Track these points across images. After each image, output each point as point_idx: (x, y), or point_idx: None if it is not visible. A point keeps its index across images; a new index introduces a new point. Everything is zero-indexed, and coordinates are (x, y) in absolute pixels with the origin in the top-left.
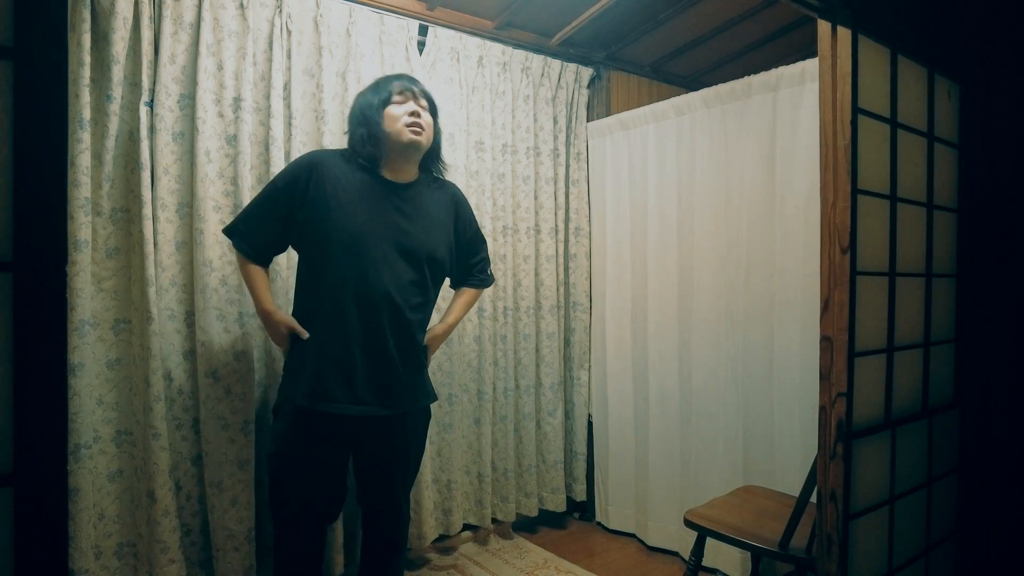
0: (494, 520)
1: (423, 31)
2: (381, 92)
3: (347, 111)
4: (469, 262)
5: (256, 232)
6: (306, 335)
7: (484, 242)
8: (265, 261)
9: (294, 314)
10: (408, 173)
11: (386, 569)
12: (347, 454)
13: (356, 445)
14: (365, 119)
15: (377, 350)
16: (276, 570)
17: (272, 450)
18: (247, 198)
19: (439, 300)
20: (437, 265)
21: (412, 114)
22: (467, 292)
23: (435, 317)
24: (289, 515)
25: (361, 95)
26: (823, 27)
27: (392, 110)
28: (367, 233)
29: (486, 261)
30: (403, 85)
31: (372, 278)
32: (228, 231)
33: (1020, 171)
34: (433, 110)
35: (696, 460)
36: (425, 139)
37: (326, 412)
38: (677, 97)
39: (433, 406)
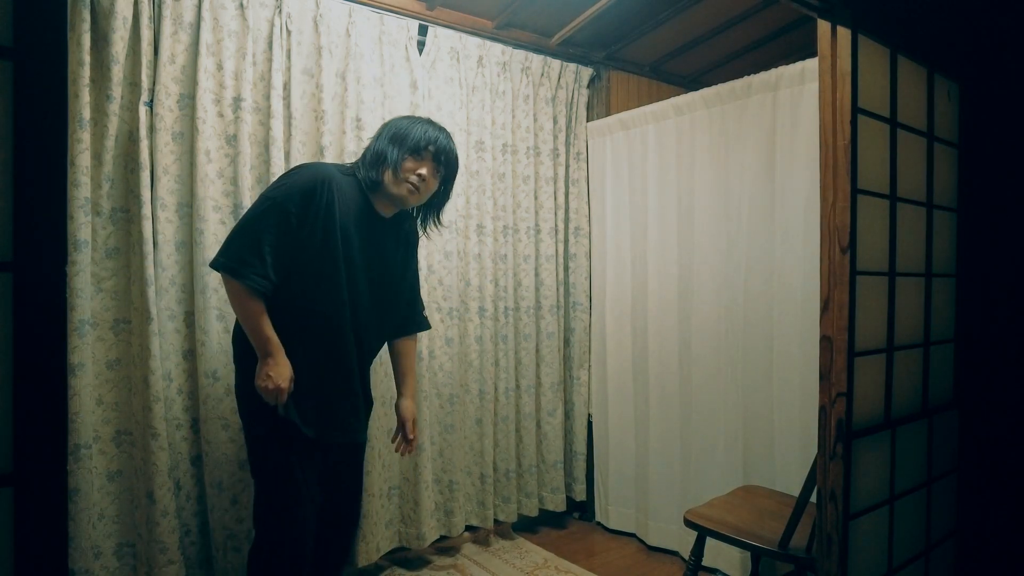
0: (495, 520)
1: (423, 31)
2: (410, 140)
3: (346, 111)
4: (416, 305)
5: (272, 261)
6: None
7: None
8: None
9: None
10: (391, 211)
11: None
12: None
13: (332, 465)
14: (384, 156)
15: (364, 378)
16: None
17: (274, 475)
18: (247, 198)
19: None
20: (394, 300)
21: (418, 176)
22: (410, 344)
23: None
24: (293, 539)
25: (399, 124)
26: (823, 27)
27: (407, 163)
28: (361, 264)
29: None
30: (430, 145)
31: (362, 310)
32: (233, 268)
33: (1020, 171)
34: (451, 173)
35: (696, 460)
36: (415, 200)
37: (332, 441)
38: (677, 97)
39: (434, 406)
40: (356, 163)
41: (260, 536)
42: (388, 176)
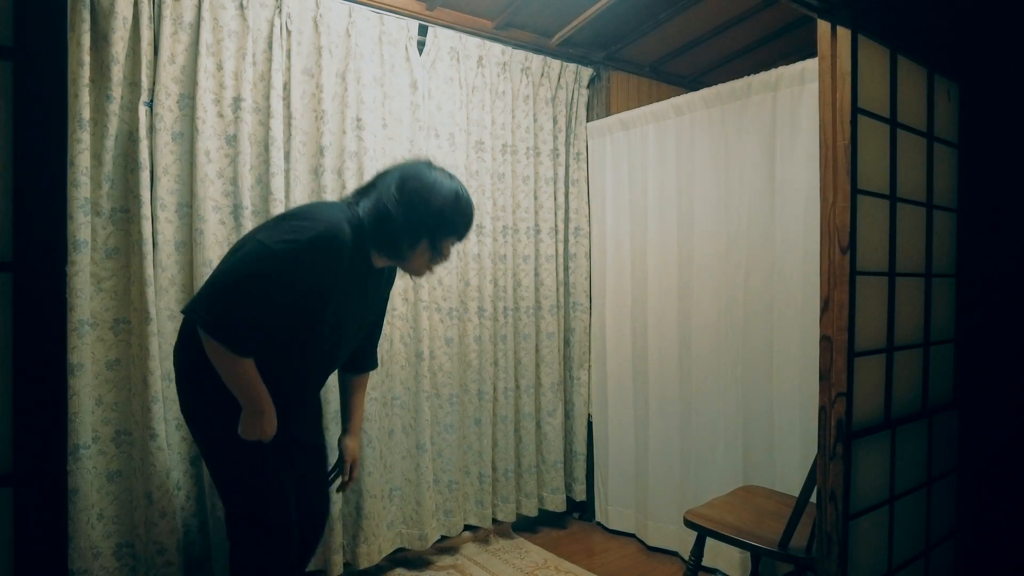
0: (495, 520)
1: (423, 31)
2: (456, 229)
3: (347, 111)
4: (376, 340)
5: (258, 324)
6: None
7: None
8: None
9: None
10: (385, 263)
11: None
12: None
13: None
14: (421, 235)
15: (312, 415)
16: None
17: (262, 481)
18: (247, 198)
19: None
20: (362, 339)
21: (443, 258)
22: (364, 379)
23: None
24: (282, 541)
25: (448, 208)
26: (823, 27)
27: (445, 245)
28: (350, 320)
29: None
30: (468, 228)
31: (338, 352)
32: (222, 330)
33: (1020, 171)
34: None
35: (696, 460)
36: (424, 275)
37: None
38: (677, 97)
39: (434, 406)
40: (355, 210)
41: (250, 550)
42: (417, 255)
